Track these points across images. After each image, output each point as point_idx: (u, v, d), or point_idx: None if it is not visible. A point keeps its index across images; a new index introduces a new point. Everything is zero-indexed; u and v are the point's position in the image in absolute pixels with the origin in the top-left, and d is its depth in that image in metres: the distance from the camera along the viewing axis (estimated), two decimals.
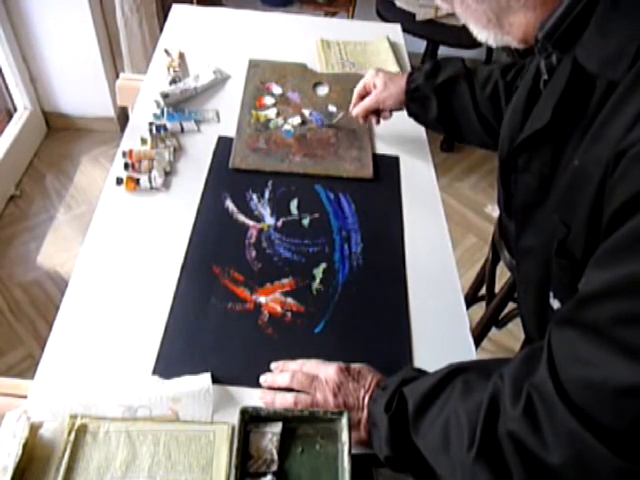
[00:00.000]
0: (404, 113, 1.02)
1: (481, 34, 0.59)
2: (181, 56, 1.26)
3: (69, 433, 0.63)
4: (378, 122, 1.07)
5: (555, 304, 0.61)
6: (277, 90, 1.19)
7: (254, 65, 1.26)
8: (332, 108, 1.16)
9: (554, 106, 0.56)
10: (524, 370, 0.49)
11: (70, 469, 0.60)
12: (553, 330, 0.48)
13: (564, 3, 0.51)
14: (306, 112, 1.14)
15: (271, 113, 1.13)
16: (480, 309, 1.49)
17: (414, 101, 0.98)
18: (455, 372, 0.58)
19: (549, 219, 0.59)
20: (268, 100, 1.16)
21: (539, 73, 0.63)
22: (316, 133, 1.10)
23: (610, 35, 0.48)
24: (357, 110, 1.04)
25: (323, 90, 1.22)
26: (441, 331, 0.79)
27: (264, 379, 0.71)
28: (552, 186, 0.59)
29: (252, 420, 0.63)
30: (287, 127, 1.10)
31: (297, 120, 1.12)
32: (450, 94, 0.95)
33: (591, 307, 0.44)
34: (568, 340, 0.46)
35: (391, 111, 1.04)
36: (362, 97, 1.04)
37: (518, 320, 1.50)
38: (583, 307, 0.45)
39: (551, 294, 0.62)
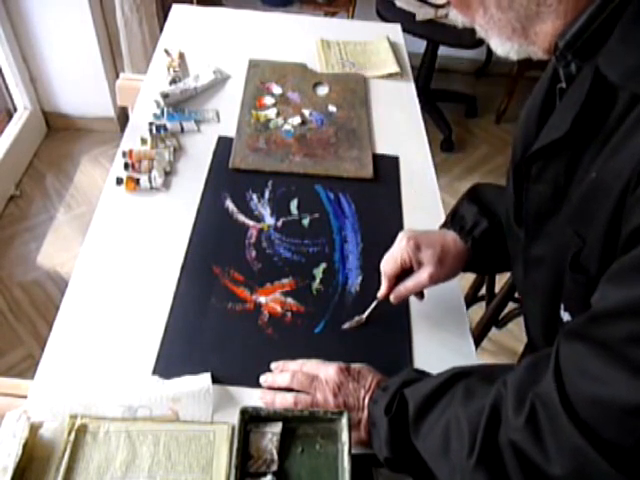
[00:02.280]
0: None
1: (503, 47, 0.56)
2: (181, 56, 1.26)
3: (69, 433, 0.63)
4: (422, 297, 0.82)
5: (565, 316, 0.60)
6: (277, 90, 1.19)
7: (254, 65, 1.26)
8: (332, 108, 1.16)
9: (574, 117, 0.54)
10: (528, 379, 0.49)
11: (70, 469, 0.60)
12: (562, 342, 0.48)
13: (587, 11, 0.49)
14: (306, 112, 1.14)
15: (271, 113, 1.13)
16: (480, 309, 1.49)
17: (482, 252, 0.80)
18: (457, 376, 0.58)
19: (562, 230, 0.57)
20: (268, 100, 1.16)
21: (555, 79, 0.61)
22: (316, 133, 1.10)
23: (635, 45, 0.47)
24: (399, 295, 0.78)
25: (323, 90, 1.22)
26: (441, 331, 0.79)
27: (264, 379, 0.71)
28: (566, 197, 0.58)
29: (252, 420, 0.63)
30: (287, 127, 1.10)
31: (297, 120, 1.12)
32: None
33: (604, 324, 0.44)
34: (578, 354, 0.45)
35: None
36: (395, 277, 0.79)
37: (518, 320, 1.50)
38: (596, 323, 0.45)
39: (562, 306, 0.61)
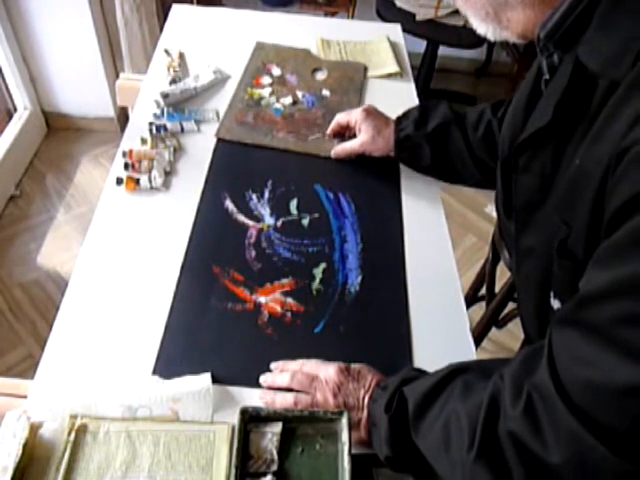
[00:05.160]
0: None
1: (480, 27, 0.59)
2: (181, 56, 1.26)
3: (69, 433, 0.63)
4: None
5: (555, 304, 0.61)
6: (276, 71, 1.23)
7: (260, 47, 1.29)
8: (326, 92, 1.19)
9: (555, 105, 0.56)
10: (524, 370, 0.49)
11: (70, 469, 0.60)
12: (554, 330, 0.48)
13: (566, 2, 0.50)
14: (299, 94, 1.17)
15: (265, 92, 1.16)
16: (480, 309, 1.49)
17: (405, 150, 0.97)
18: (455, 372, 0.58)
19: (550, 219, 0.58)
20: (265, 80, 1.20)
21: (541, 72, 0.63)
22: (304, 113, 1.13)
23: (612, 34, 0.48)
24: (339, 152, 1.01)
25: (322, 75, 1.25)
26: (441, 331, 0.79)
27: (264, 379, 0.71)
28: (553, 186, 0.59)
29: (252, 420, 0.63)
30: (277, 106, 1.13)
31: (289, 100, 1.15)
32: (443, 140, 0.93)
33: (592, 307, 0.44)
34: (569, 340, 0.45)
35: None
36: (341, 126, 1.03)
37: (518, 320, 1.50)
38: (584, 307, 0.45)
39: (551, 294, 0.61)
